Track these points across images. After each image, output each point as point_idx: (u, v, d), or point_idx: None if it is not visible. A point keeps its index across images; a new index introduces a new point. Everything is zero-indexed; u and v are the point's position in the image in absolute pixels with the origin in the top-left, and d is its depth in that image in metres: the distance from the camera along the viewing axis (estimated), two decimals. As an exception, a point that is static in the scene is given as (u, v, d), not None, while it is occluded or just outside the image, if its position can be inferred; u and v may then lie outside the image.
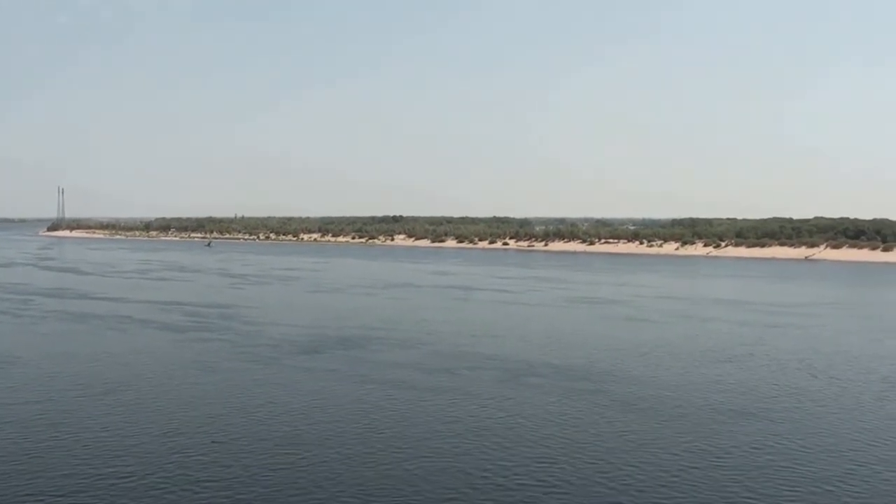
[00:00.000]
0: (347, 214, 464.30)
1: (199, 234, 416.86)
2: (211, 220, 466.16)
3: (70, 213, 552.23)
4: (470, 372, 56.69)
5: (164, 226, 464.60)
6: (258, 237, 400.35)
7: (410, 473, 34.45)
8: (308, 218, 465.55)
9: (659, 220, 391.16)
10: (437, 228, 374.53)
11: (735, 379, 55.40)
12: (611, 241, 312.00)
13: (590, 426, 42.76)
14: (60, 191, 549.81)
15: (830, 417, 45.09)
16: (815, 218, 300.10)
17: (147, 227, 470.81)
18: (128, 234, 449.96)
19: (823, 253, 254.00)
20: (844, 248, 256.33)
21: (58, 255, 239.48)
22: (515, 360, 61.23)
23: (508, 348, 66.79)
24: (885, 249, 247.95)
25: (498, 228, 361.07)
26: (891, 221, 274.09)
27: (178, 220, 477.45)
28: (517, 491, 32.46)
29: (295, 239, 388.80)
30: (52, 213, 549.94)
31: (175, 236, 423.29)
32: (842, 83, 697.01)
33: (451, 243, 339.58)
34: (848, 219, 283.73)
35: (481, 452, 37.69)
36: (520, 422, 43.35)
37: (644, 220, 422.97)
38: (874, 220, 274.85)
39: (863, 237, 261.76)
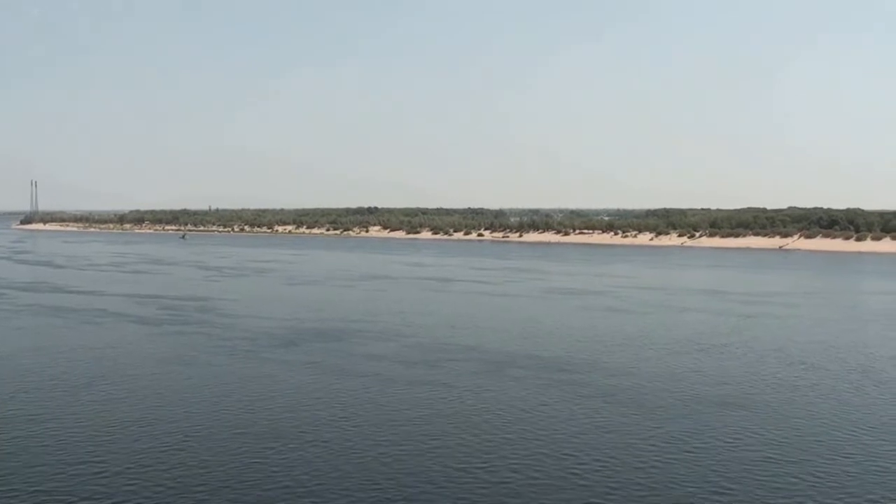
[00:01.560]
0: (322, 206, 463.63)
1: (173, 227, 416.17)
2: (185, 212, 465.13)
3: (43, 207, 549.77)
4: (449, 364, 56.69)
5: (139, 218, 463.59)
6: (233, 229, 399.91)
7: (391, 465, 34.40)
8: (283, 210, 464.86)
9: (633, 211, 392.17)
10: (412, 220, 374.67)
11: (713, 369, 55.60)
12: (585, 231, 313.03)
13: (569, 417, 42.82)
14: (34, 184, 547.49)
15: (808, 406, 45.29)
16: (789, 208, 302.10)
17: (121, 219, 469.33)
18: (102, 227, 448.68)
19: (797, 243, 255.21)
20: (818, 237, 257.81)
21: (32, 248, 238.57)
22: (494, 352, 61.29)
23: (487, 340, 66.85)
24: (858, 239, 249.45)
25: (473, 220, 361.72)
26: (863, 211, 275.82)
27: (153, 212, 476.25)
28: (498, 482, 32.47)
29: (269, 231, 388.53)
30: (24, 207, 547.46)
31: (149, 229, 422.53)
32: (813, 72, 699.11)
33: (426, 235, 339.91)
34: (821, 209, 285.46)
35: (462, 444, 37.67)
36: (500, 413, 43.37)
37: (618, 210, 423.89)
38: (847, 210, 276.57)
39: (836, 227, 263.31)
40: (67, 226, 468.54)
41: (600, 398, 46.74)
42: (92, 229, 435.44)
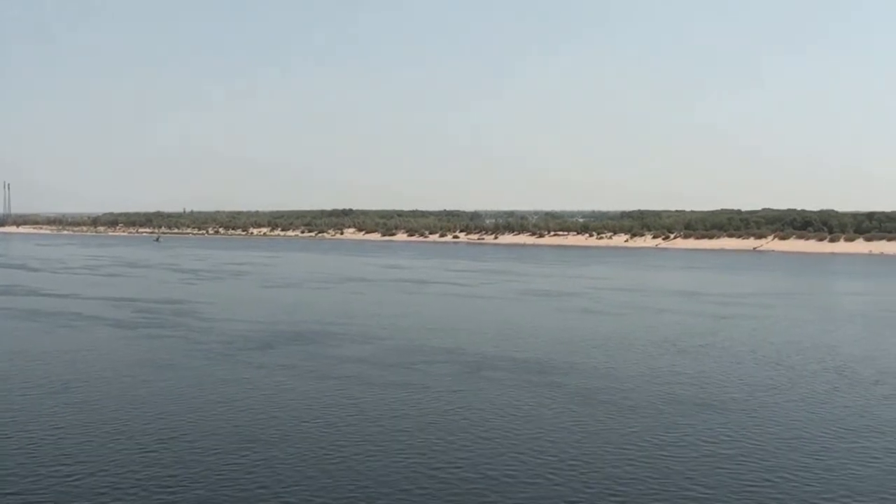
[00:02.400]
0: (297, 208, 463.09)
1: (147, 229, 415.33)
2: (159, 214, 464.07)
3: (16, 209, 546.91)
4: (426, 366, 56.60)
5: (112, 221, 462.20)
6: (207, 232, 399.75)
7: (367, 469, 34.24)
8: (257, 212, 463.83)
9: (608, 213, 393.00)
10: (387, 222, 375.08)
11: (690, 370, 55.70)
12: (560, 233, 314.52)
13: (546, 418, 42.77)
14: (6, 186, 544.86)
15: (784, 407, 45.40)
16: (763, 210, 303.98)
17: (95, 222, 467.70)
18: (76, 229, 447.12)
19: (771, 244, 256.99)
20: (792, 239, 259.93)
21: (4, 251, 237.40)
22: (471, 354, 61.23)
23: (464, 342, 66.79)
24: (832, 240, 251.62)
25: (448, 222, 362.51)
26: (837, 213, 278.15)
27: (126, 214, 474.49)
28: (475, 483, 32.40)
29: (244, 233, 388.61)
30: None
31: (123, 231, 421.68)
32: (787, 75, 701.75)
33: (401, 237, 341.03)
34: (795, 210, 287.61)
35: (438, 446, 37.56)
36: (476, 415, 43.29)
37: (593, 212, 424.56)
38: (821, 212, 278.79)
39: (809, 228, 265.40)
40: (41, 228, 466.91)
41: (577, 400, 46.75)
42: (66, 232, 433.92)
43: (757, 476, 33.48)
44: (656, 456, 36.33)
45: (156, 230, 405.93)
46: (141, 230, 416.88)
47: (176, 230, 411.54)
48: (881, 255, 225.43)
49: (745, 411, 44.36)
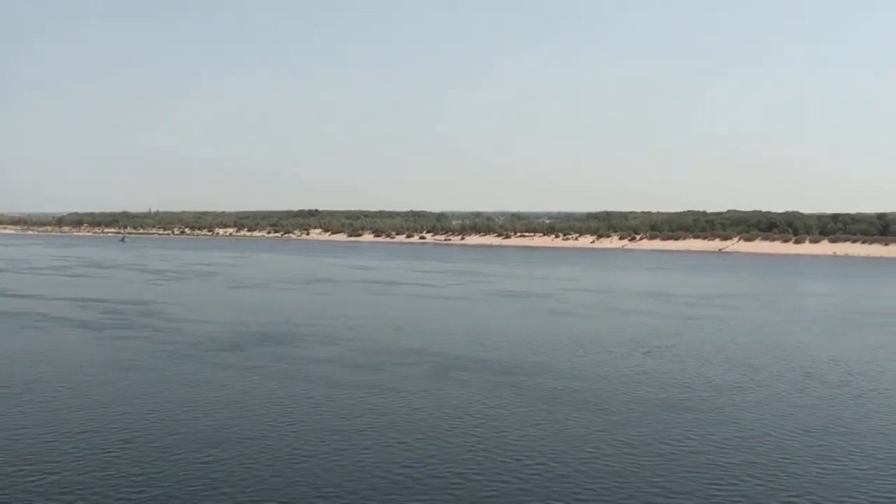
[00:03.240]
0: (262, 209, 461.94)
1: (112, 230, 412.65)
2: (125, 214, 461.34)
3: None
4: (395, 367, 56.53)
5: (77, 221, 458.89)
6: (173, 232, 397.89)
7: (335, 470, 34.16)
8: (223, 212, 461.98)
9: (574, 214, 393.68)
10: (353, 223, 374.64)
11: (657, 371, 55.90)
12: (526, 234, 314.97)
13: (515, 419, 42.79)
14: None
15: (752, 407, 45.62)
16: (729, 211, 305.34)
17: (60, 222, 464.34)
18: (40, 229, 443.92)
19: (736, 245, 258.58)
20: (757, 240, 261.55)
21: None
22: (440, 355, 61.22)
23: (432, 343, 66.78)
24: (797, 242, 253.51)
25: (415, 222, 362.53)
26: (802, 214, 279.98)
27: (91, 215, 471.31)
28: (444, 484, 32.41)
29: (210, 234, 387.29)
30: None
31: (88, 231, 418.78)
32: (749, 77, 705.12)
33: (367, 237, 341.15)
34: (760, 212, 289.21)
35: (406, 447, 37.50)
36: (445, 416, 43.27)
37: (559, 213, 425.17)
38: (786, 213, 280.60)
39: (775, 230, 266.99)
40: (5, 228, 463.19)
41: (546, 401, 46.83)
42: (30, 232, 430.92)
43: (723, 476, 33.63)
44: (624, 456, 36.44)
45: (121, 230, 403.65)
46: (106, 230, 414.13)
47: (141, 230, 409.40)
48: (846, 256, 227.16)
49: (711, 412, 44.56)
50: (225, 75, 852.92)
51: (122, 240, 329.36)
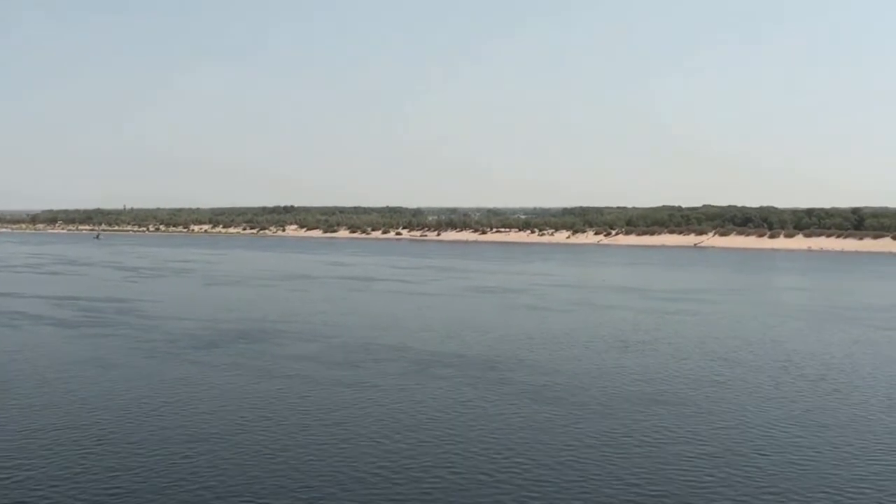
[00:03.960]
0: (238, 205, 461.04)
1: (87, 227, 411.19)
2: (99, 211, 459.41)
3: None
4: (373, 363, 56.45)
5: (51, 218, 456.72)
6: (147, 229, 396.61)
7: (314, 467, 34.03)
8: (198, 209, 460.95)
9: (550, 209, 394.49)
10: (329, 219, 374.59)
11: (637, 365, 56.01)
12: (502, 230, 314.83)
13: (494, 415, 42.77)
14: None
15: (730, 401, 45.76)
16: (704, 206, 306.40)
17: (34, 219, 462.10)
18: (14, 227, 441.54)
19: (712, 240, 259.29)
20: (732, 235, 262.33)
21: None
22: (418, 351, 61.20)
23: (410, 339, 66.74)
24: (772, 236, 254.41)
25: (391, 218, 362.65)
26: (776, 209, 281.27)
27: (66, 212, 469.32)
28: (424, 481, 32.39)
29: (185, 230, 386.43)
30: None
31: (62, 229, 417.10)
32: (728, 72, 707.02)
33: (343, 233, 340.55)
34: (735, 206, 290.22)
35: (385, 444, 37.41)
36: (426, 413, 43.21)
37: (535, 209, 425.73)
38: (761, 208, 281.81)
39: (750, 224, 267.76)
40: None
41: (525, 396, 46.85)
42: (4, 229, 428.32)
43: (702, 470, 33.75)
44: (603, 450, 36.54)
45: (96, 227, 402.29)
46: (81, 227, 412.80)
47: (116, 227, 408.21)
48: (820, 250, 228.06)
49: (689, 406, 44.68)
50: (200, 72, 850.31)
51: (97, 237, 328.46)
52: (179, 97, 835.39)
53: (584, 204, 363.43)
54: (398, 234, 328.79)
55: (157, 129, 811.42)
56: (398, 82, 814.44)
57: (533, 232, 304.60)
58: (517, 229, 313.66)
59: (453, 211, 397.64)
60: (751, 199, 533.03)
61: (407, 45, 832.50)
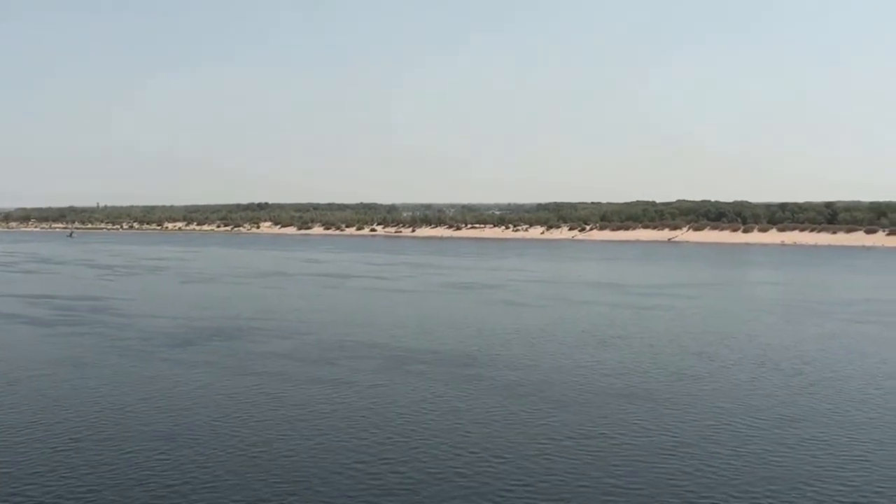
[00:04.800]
0: (212, 203, 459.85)
1: (60, 225, 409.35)
2: (72, 209, 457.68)
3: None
4: (349, 360, 56.34)
5: (24, 216, 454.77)
6: (121, 226, 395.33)
7: (291, 464, 33.94)
8: (172, 206, 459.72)
9: (524, 205, 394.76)
10: (303, 215, 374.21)
11: (613, 360, 56.09)
12: (477, 226, 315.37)
13: (471, 410, 42.76)
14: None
15: (706, 396, 45.85)
16: (678, 201, 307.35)
17: (7, 217, 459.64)
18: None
19: (686, 235, 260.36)
20: (706, 229, 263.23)
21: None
22: (396, 348, 61.12)
23: (388, 336, 66.63)
24: (745, 231, 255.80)
25: (365, 215, 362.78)
26: (750, 204, 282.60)
27: (39, 210, 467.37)
28: (400, 476, 32.32)
29: (159, 228, 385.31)
30: None
31: (36, 227, 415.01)
32: (699, 63, 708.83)
33: (318, 230, 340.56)
34: (709, 201, 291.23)
35: (361, 440, 37.31)
36: (402, 409, 43.13)
37: (510, 205, 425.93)
38: (734, 203, 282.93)
39: (724, 219, 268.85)
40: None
41: (501, 391, 46.86)
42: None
43: (679, 463, 33.82)
44: (580, 445, 36.57)
45: (69, 225, 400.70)
46: (54, 225, 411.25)
47: (90, 225, 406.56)
48: (794, 244, 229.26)
49: (666, 400, 44.76)
50: (174, 71, 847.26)
51: (70, 235, 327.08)
52: (154, 96, 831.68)
53: (559, 200, 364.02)
54: (373, 230, 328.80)
55: (132, 128, 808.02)
56: (373, 79, 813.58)
57: (508, 228, 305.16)
58: (492, 225, 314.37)
59: (428, 207, 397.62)
60: (725, 193, 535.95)
61: (382, 42, 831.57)
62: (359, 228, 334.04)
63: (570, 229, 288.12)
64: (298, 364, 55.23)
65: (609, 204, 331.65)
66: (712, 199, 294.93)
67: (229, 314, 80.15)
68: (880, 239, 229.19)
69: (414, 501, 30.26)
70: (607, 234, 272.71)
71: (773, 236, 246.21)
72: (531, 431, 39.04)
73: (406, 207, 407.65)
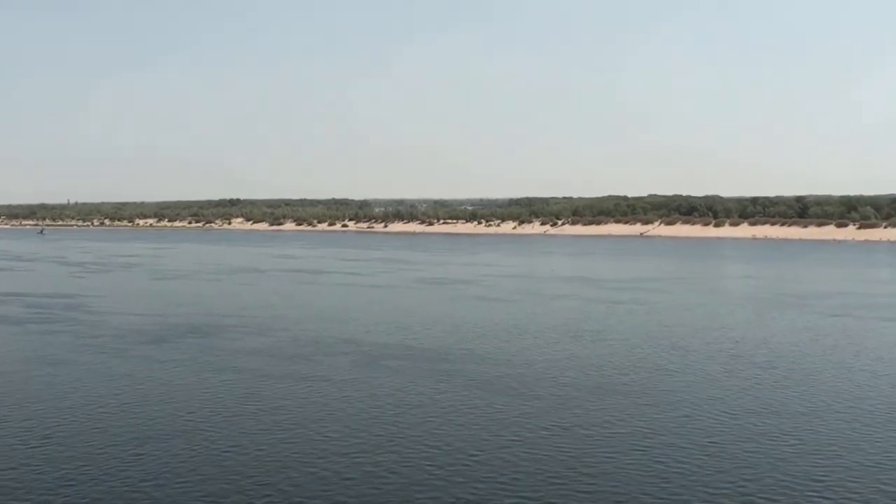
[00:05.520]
0: (183, 199, 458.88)
1: (31, 222, 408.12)
2: (43, 206, 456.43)
3: None
4: (324, 357, 56.19)
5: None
6: (92, 223, 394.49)
7: (265, 462, 33.76)
8: (143, 203, 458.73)
9: (496, 200, 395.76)
10: (275, 211, 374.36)
11: (588, 355, 56.15)
12: (449, 221, 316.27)
13: (445, 407, 42.65)
14: None
15: (680, 391, 45.92)
16: (649, 195, 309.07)
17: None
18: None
19: (657, 229, 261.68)
20: (678, 224, 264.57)
21: None
22: (369, 344, 61.00)
23: (361, 331, 66.51)
24: (717, 225, 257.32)
25: (337, 210, 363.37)
26: (721, 198, 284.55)
27: (9, 207, 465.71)
28: (376, 474, 32.23)
29: (130, 225, 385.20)
30: None
31: (5, 224, 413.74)
32: (668, 57, 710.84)
33: (289, 226, 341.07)
34: (681, 196, 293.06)
35: (337, 438, 37.19)
36: (376, 406, 42.97)
37: (481, 200, 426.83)
38: (706, 197, 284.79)
39: (695, 213, 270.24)
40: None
41: (477, 387, 46.83)
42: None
43: (655, 458, 33.83)
44: (555, 441, 36.51)
45: (40, 222, 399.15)
46: (24, 223, 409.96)
47: (60, 222, 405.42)
48: (765, 238, 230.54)
49: (640, 395, 44.77)
50: (141, 66, 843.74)
51: (41, 232, 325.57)
52: (122, 90, 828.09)
53: (530, 195, 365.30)
54: (345, 226, 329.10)
55: (100, 123, 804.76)
56: (341, 73, 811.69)
57: (480, 223, 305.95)
58: (464, 220, 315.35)
59: (400, 202, 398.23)
60: (696, 188, 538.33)
61: (350, 35, 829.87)
62: (331, 224, 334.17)
63: (542, 224, 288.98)
64: (272, 360, 55.09)
65: (580, 199, 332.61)
66: (683, 194, 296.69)
67: (203, 311, 79.93)
68: (851, 233, 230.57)
69: (387, 495, 30.23)
70: (579, 229, 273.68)
71: (744, 230, 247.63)
72: (507, 426, 39.02)
73: (378, 203, 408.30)
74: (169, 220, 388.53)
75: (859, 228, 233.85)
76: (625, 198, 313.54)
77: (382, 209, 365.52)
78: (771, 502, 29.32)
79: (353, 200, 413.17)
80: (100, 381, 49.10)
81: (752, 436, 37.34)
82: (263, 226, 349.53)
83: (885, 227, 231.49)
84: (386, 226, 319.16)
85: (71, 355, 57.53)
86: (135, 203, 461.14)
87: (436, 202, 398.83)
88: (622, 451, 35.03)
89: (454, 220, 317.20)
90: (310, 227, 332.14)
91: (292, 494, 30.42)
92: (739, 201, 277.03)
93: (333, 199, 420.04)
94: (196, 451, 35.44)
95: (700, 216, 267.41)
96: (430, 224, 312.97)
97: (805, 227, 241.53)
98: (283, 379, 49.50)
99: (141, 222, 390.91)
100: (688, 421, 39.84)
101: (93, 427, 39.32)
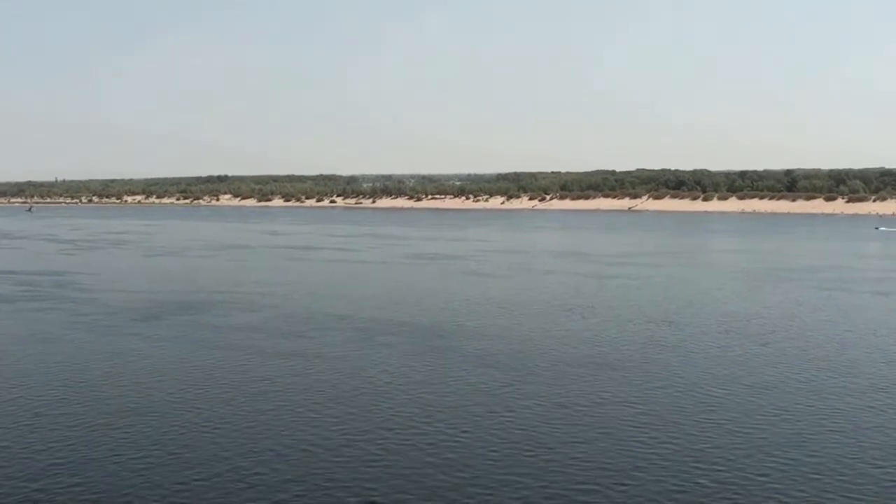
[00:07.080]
0: (171, 175, 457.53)
1: (19, 199, 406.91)
2: (31, 184, 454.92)
3: None
4: (318, 333, 56.06)
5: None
6: (80, 200, 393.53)
7: (259, 439, 33.55)
8: (131, 180, 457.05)
9: (484, 176, 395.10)
10: (263, 187, 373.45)
11: (581, 330, 56.15)
12: (437, 196, 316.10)
13: (440, 383, 42.55)
14: None
15: (675, 363, 45.96)
16: (638, 170, 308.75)
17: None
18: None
19: (646, 204, 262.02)
20: (666, 198, 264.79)
21: None
22: (362, 320, 60.89)
23: (354, 308, 66.40)
24: (705, 199, 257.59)
25: (325, 186, 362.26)
26: (710, 172, 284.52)
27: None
28: (370, 451, 32.19)
29: (119, 201, 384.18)
30: None
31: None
32: (656, 32, 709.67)
33: (277, 202, 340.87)
34: (669, 170, 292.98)
35: (330, 414, 37.04)
36: (370, 383, 42.82)
37: (469, 175, 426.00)
38: (694, 171, 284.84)
39: (683, 188, 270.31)
40: None
41: (471, 362, 46.77)
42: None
43: (649, 432, 33.81)
44: (548, 415, 36.48)
45: (28, 200, 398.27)
46: (12, 200, 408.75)
47: (49, 199, 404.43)
48: (753, 212, 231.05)
49: (634, 370, 44.78)
50: (128, 42, 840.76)
51: (30, 209, 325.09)
52: (110, 67, 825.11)
53: (519, 170, 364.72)
54: (333, 201, 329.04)
55: (89, 100, 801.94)
56: (331, 49, 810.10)
57: (468, 198, 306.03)
58: (452, 196, 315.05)
59: (388, 178, 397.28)
60: (684, 162, 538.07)
61: (340, 12, 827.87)
62: (319, 200, 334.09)
63: (531, 199, 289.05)
64: (264, 337, 54.91)
65: (569, 173, 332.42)
66: (672, 168, 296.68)
67: (193, 288, 79.70)
68: (839, 206, 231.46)
69: (382, 473, 30.19)
70: (567, 204, 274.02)
71: (732, 204, 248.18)
72: (501, 401, 38.99)
73: (366, 178, 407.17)
74: (157, 197, 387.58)
75: (848, 202, 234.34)
76: (613, 172, 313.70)
77: (370, 185, 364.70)
78: (764, 475, 29.39)
79: (340, 176, 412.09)
80: (91, 358, 48.84)
81: (747, 408, 37.38)
82: (252, 202, 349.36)
83: (874, 201, 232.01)
84: (374, 201, 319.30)
85: (62, 332, 57.25)
86: (123, 180, 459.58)
87: (424, 177, 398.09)
88: (615, 426, 35.01)
89: (442, 196, 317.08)
90: (298, 203, 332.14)
91: (284, 470, 30.34)
92: (728, 175, 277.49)
93: (321, 175, 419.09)
94: (187, 427, 35.26)
95: (688, 190, 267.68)
96: (419, 199, 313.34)
97: (794, 200, 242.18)
98: (275, 355, 49.29)
99: (129, 199, 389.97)
100: (683, 395, 39.83)
101: (84, 403, 39.11)
